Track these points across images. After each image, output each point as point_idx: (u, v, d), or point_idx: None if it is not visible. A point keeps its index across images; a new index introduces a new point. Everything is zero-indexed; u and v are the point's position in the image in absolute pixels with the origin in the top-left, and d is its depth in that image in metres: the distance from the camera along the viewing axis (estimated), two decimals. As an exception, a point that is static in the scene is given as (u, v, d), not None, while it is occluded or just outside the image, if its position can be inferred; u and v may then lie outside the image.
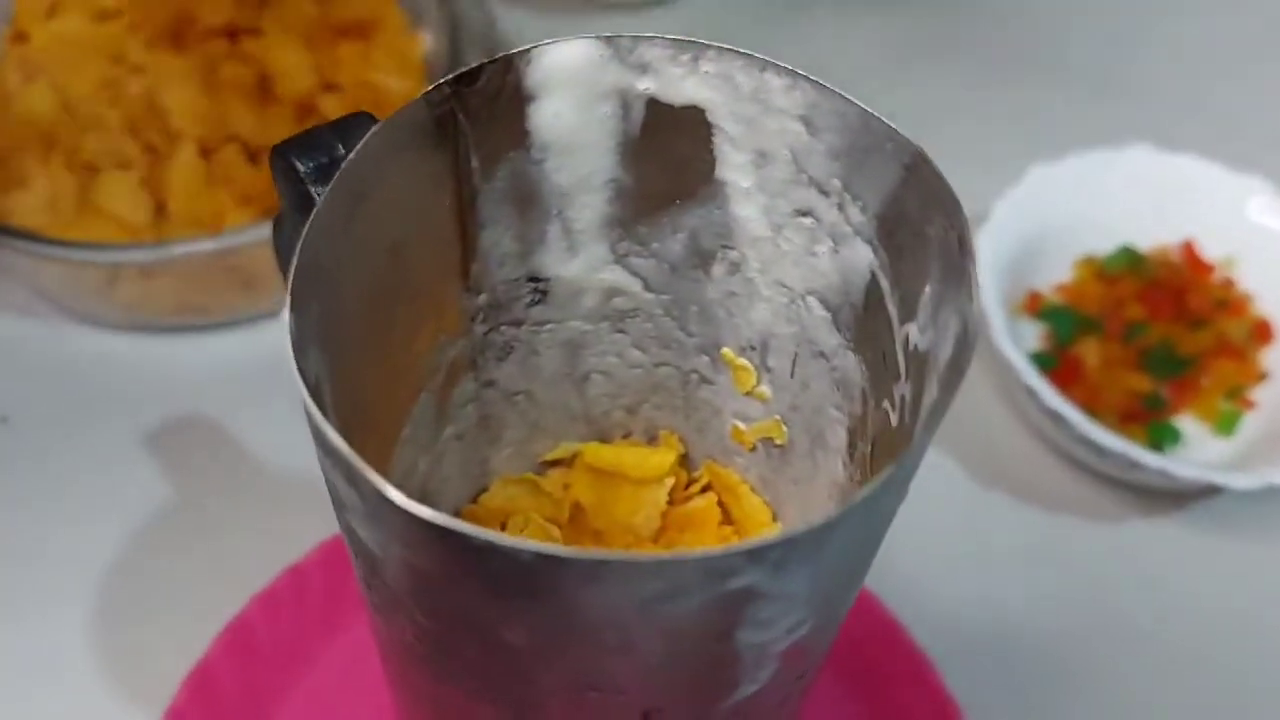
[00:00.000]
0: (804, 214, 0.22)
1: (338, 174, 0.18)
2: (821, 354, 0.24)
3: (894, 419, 0.21)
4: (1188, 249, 0.52)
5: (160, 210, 0.51)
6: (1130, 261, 0.52)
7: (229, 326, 0.52)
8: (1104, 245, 0.52)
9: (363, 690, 0.42)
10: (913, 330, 0.20)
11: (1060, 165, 0.51)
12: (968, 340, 0.18)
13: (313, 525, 0.43)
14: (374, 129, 0.19)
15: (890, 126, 0.20)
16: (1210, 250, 0.52)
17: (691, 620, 0.16)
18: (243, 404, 0.49)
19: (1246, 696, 0.43)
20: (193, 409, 0.49)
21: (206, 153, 0.51)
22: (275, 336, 0.52)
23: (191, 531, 0.46)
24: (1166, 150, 0.52)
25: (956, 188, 0.60)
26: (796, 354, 0.25)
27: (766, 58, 0.20)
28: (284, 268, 0.27)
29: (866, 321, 0.22)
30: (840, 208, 0.22)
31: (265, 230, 0.46)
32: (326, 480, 0.18)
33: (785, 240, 0.23)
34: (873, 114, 0.20)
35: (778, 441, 0.27)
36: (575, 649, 0.17)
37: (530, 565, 0.15)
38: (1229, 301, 0.51)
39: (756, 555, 0.15)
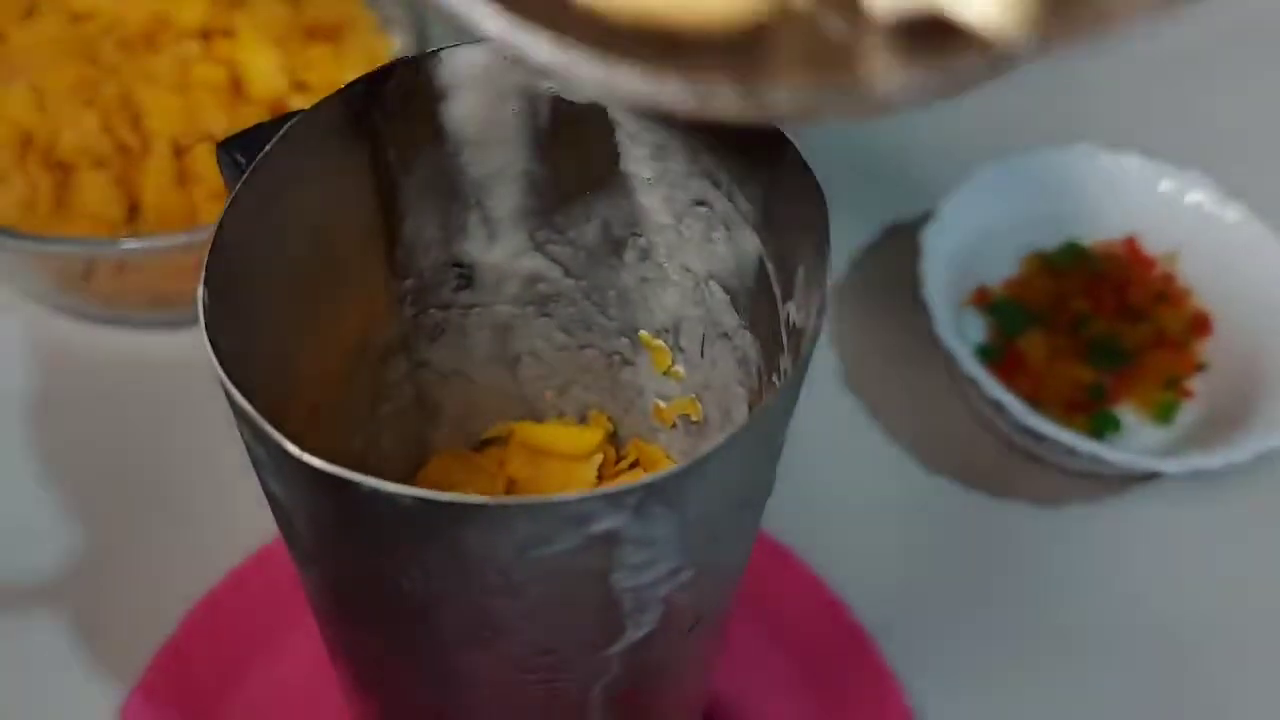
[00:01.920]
0: (700, 203, 0.24)
1: (254, 163, 0.20)
2: (725, 334, 0.26)
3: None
4: (1130, 244, 0.54)
5: (134, 208, 0.52)
6: (1075, 256, 0.53)
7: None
8: (1050, 241, 0.54)
9: (328, 667, 0.43)
10: (792, 309, 0.22)
11: (1007, 164, 0.53)
12: (823, 313, 0.19)
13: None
14: (290, 122, 0.21)
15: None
16: (1152, 245, 0.54)
17: (566, 563, 0.18)
18: (216, 394, 0.50)
19: (1181, 677, 0.45)
20: (164, 399, 0.50)
21: (180, 152, 0.52)
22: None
23: (163, 516, 0.47)
24: (1110, 149, 0.54)
25: (907, 185, 0.62)
26: (704, 335, 0.27)
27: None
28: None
29: (758, 302, 0.24)
30: (730, 197, 0.23)
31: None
32: (243, 440, 0.20)
33: (686, 228, 0.25)
34: (751, 110, 0.22)
35: (694, 418, 0.29)
36: (464, 592, 0.19)
37: (412, 510, 0.17)
38: (1169, 295, 0.53)
39: (614, 500, 0.17)
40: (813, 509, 0.47)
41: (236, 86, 0.54)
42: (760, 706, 0.42)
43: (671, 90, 0.13)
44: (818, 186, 0.20)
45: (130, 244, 0.48)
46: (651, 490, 0.17)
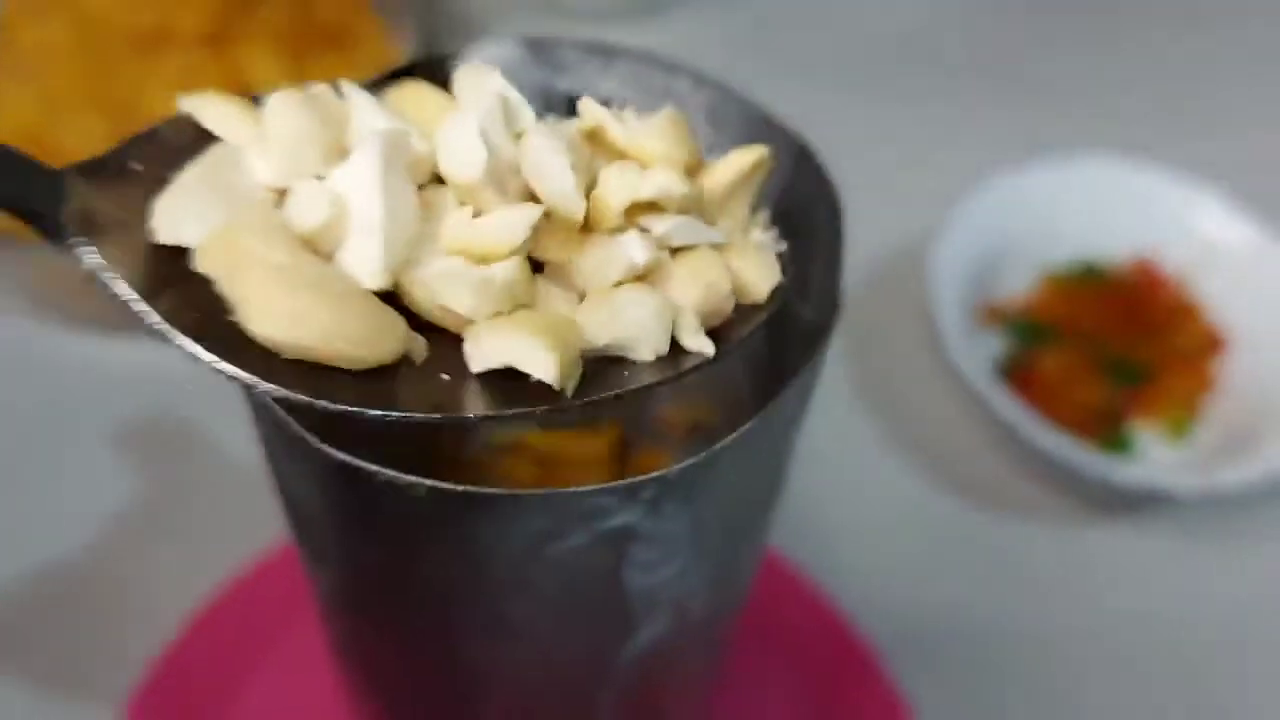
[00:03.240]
0: (714, 204, 0.24)
1: None
2: (738, 338, 0.26)
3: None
4: (1144, 262, 0.54)
5: (139, 211, 0.52)
6: (1088, 273, 0.53)
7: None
8: (1062, 257, 0.54)
9: (323, 676, 0.43)
10: (807, 310, 0.22)
11: (1019, 176, 0.53)
12: (836, 310, 0.19)
13: (277, 521, 0.45)
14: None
15: (781, 124, 0.21)
16: (1166, 261, 0.53)
17: (578, 559, 0.18)
18: (213, 404, 0.50)
19: (1190, 696, 0.44)
20: (164, 408, 0.50)
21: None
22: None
23: (162, 524, 0.47)
24: (1124, 163, 0.54)
25: (917, 198, 0.61)
26: (717, 339, 0.27)
27: (672, 61, 0.22)
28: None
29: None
30: (746, 200, 0.23)
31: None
32: (261, 440, 0.20)
33: (699, 229, 0.25)
34: (766, 112, 0.22)
35: (705, 425, 0.29)
36: (476, 588, 0.18)
37: (427, 501, 0.16)
38: (1184, 312, 0.52)
39: (628, 493, 0.17)
40: (821, 525, 0.47)
41: (242, 93, 0.54)
42: (760, 718, 0.42)
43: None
44: (831, 185, 0.20)
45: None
46: (665, 484, 0.17)
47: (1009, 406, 0.45)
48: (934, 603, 0.46)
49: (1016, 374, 0.50)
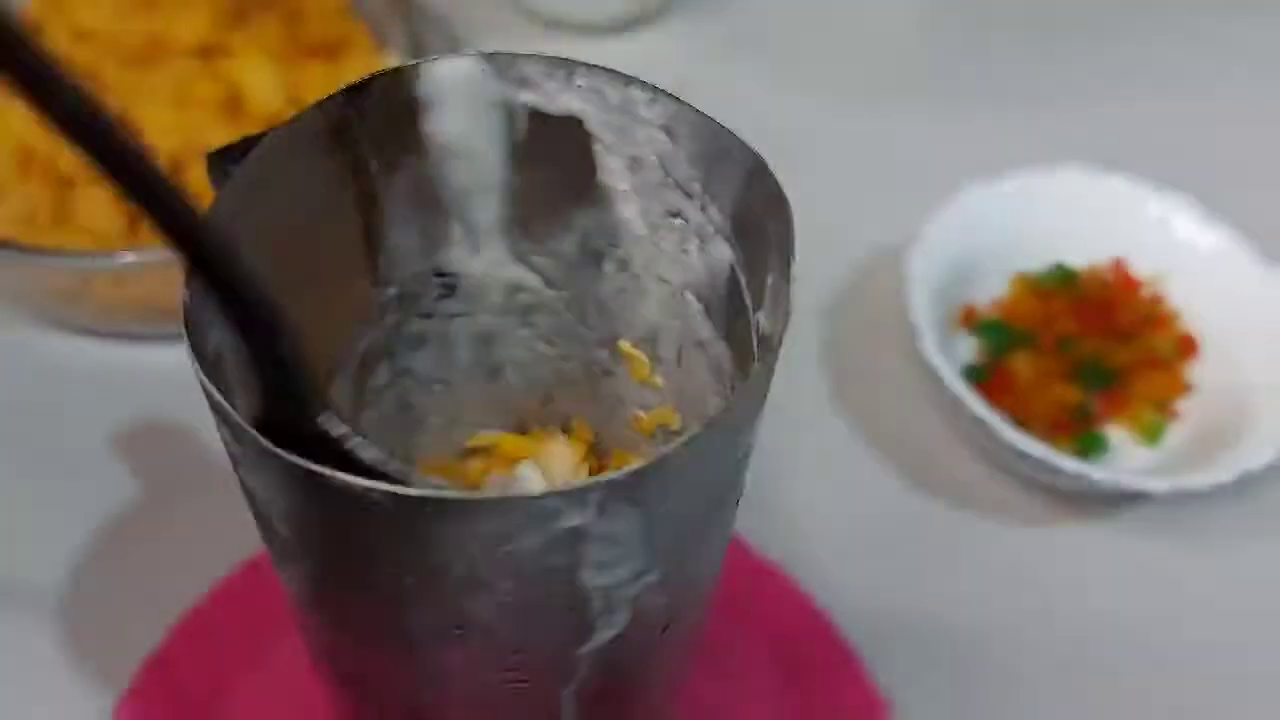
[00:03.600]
0: (674, 215, 0.25)
1: (236, 170, 0.21)
2: (700, 344, 0.27)
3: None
4: (1118, 266, 0.54)
5: (132, 223, 0.53)
6: (1062, 278, 0.54)
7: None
8: (1037, 262, 0.54)
9: (313, 678, 0.44)
10: (761, 317, 0.23)
11: (994, 185, 0.54)
12: (787, 318, 0.20)
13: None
14: (272, 132, 0.21)
15: (736, 137, 0.22)
16: (1139, 268, 0.54)
17: (534, 559, 0.19)
18: (206, 408, 0.51)
19: (1167, 695, 0.45)
20: (159, 412, 0.51)
21: (178, 167, 0.53)
22: (241, 343, 0.53)
23: (154, 527, 0.47)
24: (1097, 171, 0.54)
25: (894, 205, 0.62)
26: (681, 344, 0.27)
27: (629, 75, 0.23)
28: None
29: (730, 312, 0.25)
30: (703, 209, 0.24)
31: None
32: (222, 439, 0.21)
33: (661, 239, 0.26)
34: (720, 126, 0.22)
35: (673, 427, 0.29)
36: (436, 588, 0.19)
37: (383, 504, 0.17)
38: (1156, 317, 0.53)
39: (577, 496, 0.17)
40: (800, 525, 0.48)
41: (235, 104, 0.55)
42: (743, 716, 0.43)
43: None
44: (783, 197, 0.21)
45: (127, 257, 0.48)
46: (613, 487, 0.18)
47: (983, 408, 0.46)
48: (911, 600, 0.47)
49: (990, 377, 0.51)
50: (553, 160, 0.25)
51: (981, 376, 0.51)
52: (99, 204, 0.52)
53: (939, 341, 0.48)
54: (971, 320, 0.53)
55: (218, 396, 0.18)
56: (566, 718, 0.24)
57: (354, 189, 0.24)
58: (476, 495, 0.17)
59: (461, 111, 0.24)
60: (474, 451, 0.33)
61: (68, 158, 0.52)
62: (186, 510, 0.48)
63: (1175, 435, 0.51)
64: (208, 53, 0.56)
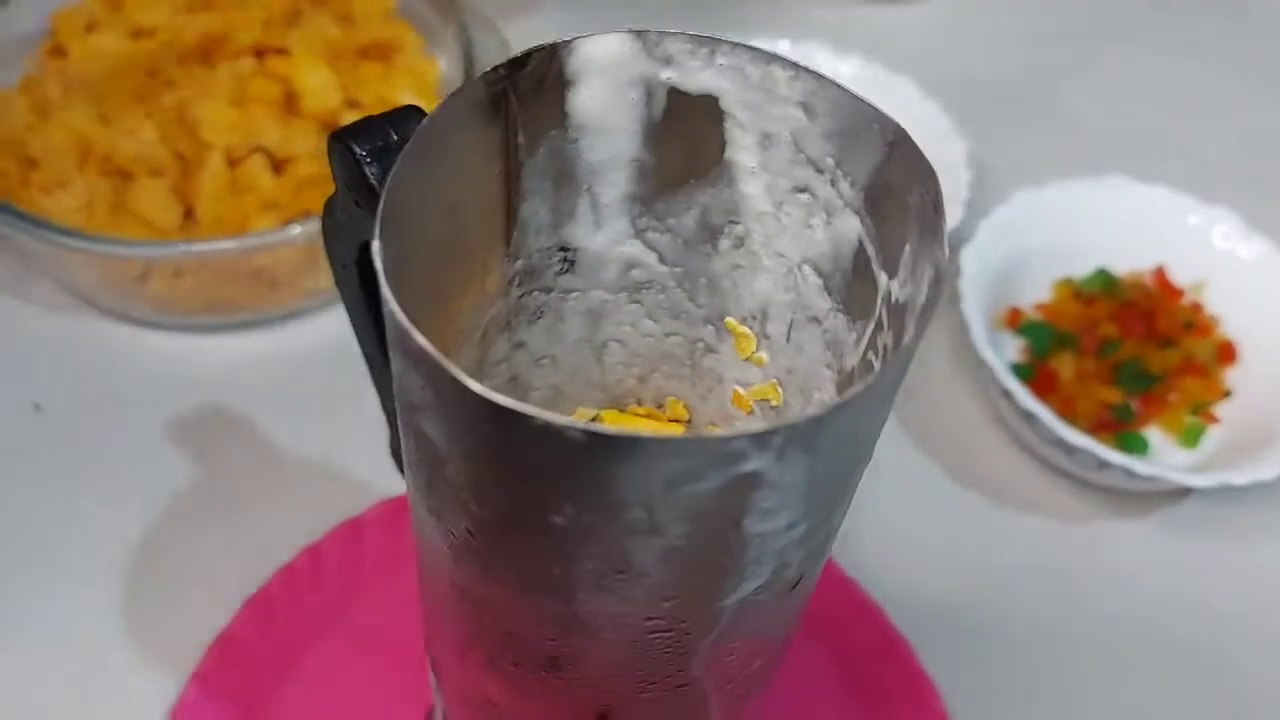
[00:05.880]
0: (801, 190, 0.26)
1: (415, 133, 0.22)
2: (814, 318, 0.27)
3: (877, 365, 0.25)
4: (1159, 273, 0.56)
5: (189, 215, 0.54)
6: (1105, 283, 0.55)
7: (254, 325, 0.55)
8: (1081, 267, 0.56)
9: (373, 658, 0.44)
10: (894, 286, 0.24)
11: (1043, 191, 0.55)
12: (940, 282, 0.21)
13: (329, 510, 0.46)
14: (444, 100, 0.22)
15: (877, 110, 0.23)
16: (1180, 275, 0.56)
17: (708, 503, 0.19)
18: (265, 398, 0.52)
19: (1208, 688, 0.46)
20: (218, 401, 0.52)
21: (234, 162, 0.54)
22: (297, 335, 0.55)
23: (214, 514, 0.48)
24: (1141, 182, 0.56)
25: (951, 206, 0.63)
26: (792, 320, 0.28)
27: (773, 52, 0.24)
28: (330, 247, 0.30)
29: (854, 284, 0.26)
30: (833, 183, 0.25)
31: (287, 234, 0.50)
32: (399, 389, 0.21)
33: (785, 215, 0.27)
34: (863, 100, 0.23)
35: (773, 403, 0.30)
36: (609, 528, 0.20)
37: (578, 443, 0.18)
38: (1197, 323, 0.55)
39: (761, 440, 0.18)
40: (849, 517, 0.49)
41: (290, 102, 0.56)
42: (801, 702, 0.44)
43: None
44: (930, 168, 0.22)
45: (190, 247, 0.49)
46: (794, 432, 0.19)
47: (1033, 401, 0.47)
48: (958, 593, 0.48)
49: (1034, 376, 0.52)
50: (684, 137, 0.26)
51: (1026, 375, 0.52)
52: (156, 196, 0.53)
53: (985, 339, 0.49)
54: (1016, 321, 0.54)
55: (418, 338, 0.19)
56: (698, 668, 0.25)
57: (502, 161, 0.25)
58: (667, 435, 0.18)
59: (605, 88, 0.25)
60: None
61: (125, 151, 0.53)
62: (245, 498, 0.49)
63: (1213, 439, 0.52)
64: (263, 52, 0.57)
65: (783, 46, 0.61)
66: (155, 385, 0.52)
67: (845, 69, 0.62)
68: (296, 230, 0.50)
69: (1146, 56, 0.74)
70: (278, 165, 0.55)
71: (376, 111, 0.26)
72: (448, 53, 0.61)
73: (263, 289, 0.53)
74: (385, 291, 0.19)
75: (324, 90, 0.55)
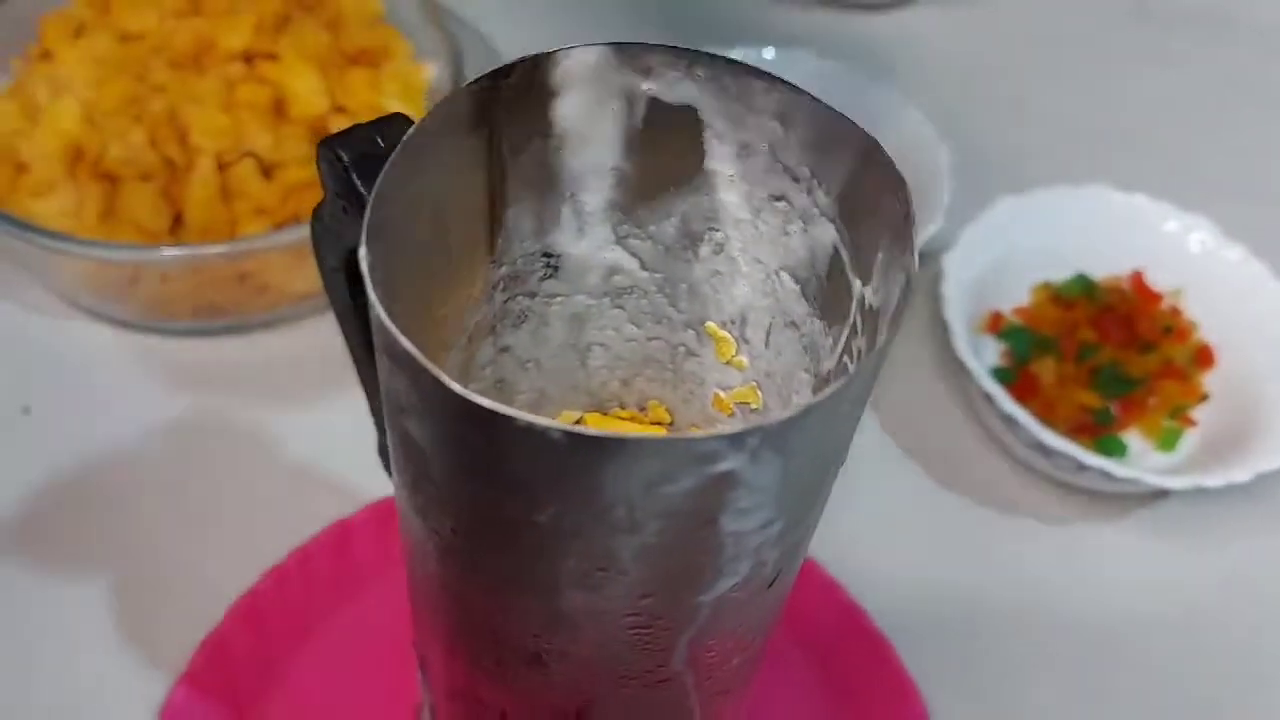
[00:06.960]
0: (779, 199, 0.27)
1: (402, 141, 0.22)
2: (792, 323, 0.28)
3: (852, 368, 0.26)
4: (1137, 279, 0.57)
5: (178, 220, 0.54)
6: (1084, 288, 0.56)
7: (242, 329, 0.55)
8: (1061, 273, 0.57)
9: (362, 658, 0.45)
10: (868, 292, 0.25)
11: (1025, 198, 0.56)
12: (909, 287, 0.22)
13: (317, 512, 0.47)
14: (430, 109, 0.23)
15: (851, 122, 0.24)
16: (1158, 281, 0.57)
17: (685, 502, 0.20)
18: (254, 401, 0.52)
19: (1179, 684, 0.47)
20: (207, 404, 0.52)
21: (223, 167, 0.54)
22: (286, 338, 0.55)
23: (204, 516, 0.49)
24: (1120, 189, 0.57)
25: (928, 213, 0.64)
26: (771, 324, 0.29)
27: (751, 65, 0.25)
28: (318, 252, 0.31)
29: (829, 289, 0.26)
30: (809, 192, 0.26)
31: (276, 239, 0.50)
32: (385, 392, 0.22)
33: (763, 222, 0.27)
34: (837, 112, 0.24)
35: (753, 406, 0.31)
36: (590, 527, 0.21)
37: (559, 444, 0.19)
38: (1174, 328, 0.55)
39: (736, 441, 0.19)
40: (829, 518, 0.49)
41: (279, 107, 0.56)
42: (783, 702, 0.44)
43: None
44: (901, 177, 0.23)
45: (179, 251, 0.50)
46: (767, 433, 0.19)
47: (1012, 404, 0.48)
48: (938, 593, 0.49)
49: (1015, 380, 0.53)
50: (663, 147, 0.27)
51: (1007, 379, 0.53)
52: (145, 200, 0.53)
53: (967, 342, 0.50)
54: (997, 326, 0.55)
55: (401, 340, 0.19)
56: (678, 664, 0.25)
57: (486, 169, 0.26)
58: (645, 436, 0.19)
59: (587, 98, 0.26)
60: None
61: (114, 155, 0.53)
62: (234, 500, 0.49)
63: (1190, 442, 0.53)
64: (252, 57, 0.57)
65: (767, 54, 0.62)
66: (144, 388, 0.53)
67: (829, 76, 0.62)
68: (285, 235, 0.50)
69: (1127, 66, 0.75)
70: (267, 170, 0.55)
71: (365, 117, 0.26)
72: (436, 60, 0.61)
73: (252, 293, 0.53)
74: (372, 296, 0.20)
75: (313, 96, 0.56)
